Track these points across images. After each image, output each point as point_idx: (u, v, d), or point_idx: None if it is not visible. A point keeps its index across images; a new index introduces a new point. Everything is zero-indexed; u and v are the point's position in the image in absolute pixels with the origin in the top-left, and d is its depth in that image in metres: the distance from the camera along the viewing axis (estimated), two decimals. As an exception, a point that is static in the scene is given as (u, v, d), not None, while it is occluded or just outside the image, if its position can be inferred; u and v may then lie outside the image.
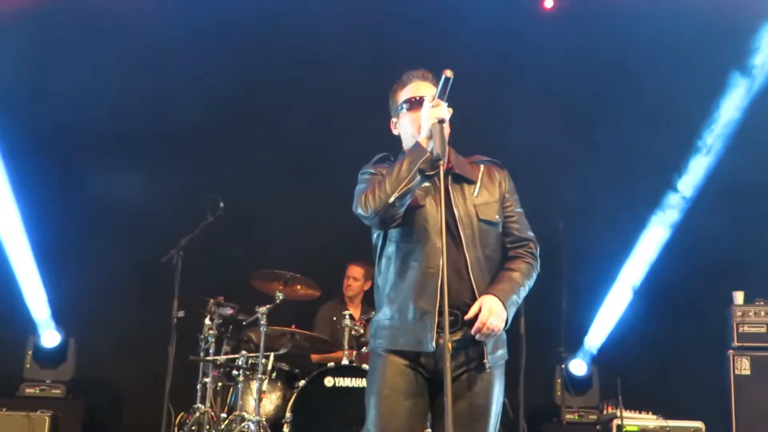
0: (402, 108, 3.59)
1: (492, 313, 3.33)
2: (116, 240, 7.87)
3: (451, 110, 3.42)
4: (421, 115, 3.37)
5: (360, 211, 3.40)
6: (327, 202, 7.90)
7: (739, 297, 7.20)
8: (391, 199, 3.29)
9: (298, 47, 7.94)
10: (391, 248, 3.48)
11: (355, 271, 7.55)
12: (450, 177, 3.51)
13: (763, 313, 7.01)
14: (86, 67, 7.77)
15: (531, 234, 3.65)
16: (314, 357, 7.31)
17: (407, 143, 3.57)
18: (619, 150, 7.75)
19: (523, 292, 3.53)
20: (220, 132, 8.07)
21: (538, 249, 3.63)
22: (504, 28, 7.74)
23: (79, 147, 7.97)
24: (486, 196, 3.55)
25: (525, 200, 3.70)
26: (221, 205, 6.90)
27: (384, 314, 3.48)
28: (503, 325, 3.38)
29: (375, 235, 3.59)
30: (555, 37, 7.94)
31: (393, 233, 3.47)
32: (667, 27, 7.67)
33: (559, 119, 7.85)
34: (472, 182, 3.55)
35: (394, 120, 3.68)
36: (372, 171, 3.58)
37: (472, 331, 3.33)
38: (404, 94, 3.61)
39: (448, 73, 3.26)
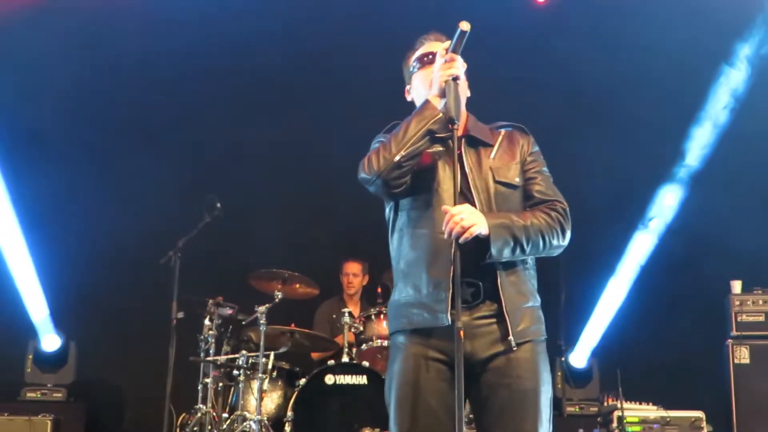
0: (414, 68, 3.33)
1: (466, 211, 2.98)
2: (114, 242, 7.85)
3: (465, 65, 3.12)
4: (433, 70, 3.10)
5: (363, 174, 3.14)
6: (324, 201, 7.93)
7: (737, 286, 7.22)
8: (396, 158, 3.03)
9: (296, 46, 7.94)
10: (402, 219, 3.22)
11: (354, 267, 7.57)
12: (464, 140, 3.24)
13: (761, 302, 7.02)
14: (78, 69, 7.75)
15: (559, 195, 3.31)
16: (314, 355, 7.32)
17: (417, 99, 3.32)
18: (616, 141, 7.75)
19: (534, 234, 3.12)
20: (217, 131, 8.06)
21: (568, 210, 3.28)
22: (496, 22, 7.75)
23: (77, 150, 7.95)
24: (504, 158, 3.25)
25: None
26: (218, 205, 6.91)
27: (398, 291, 3.22)
28: (479, 230, 2.97)
29: (387, 210, 3.34)
30: (548, 30, 7.94)
31: (404, 203, 3.20)
32: (658, 26, 7.68)
33: (550, 114, 7.85)
34: (489, 145, 3.27)
35: (407, 87, 3.42)
36: (383, 139, 3.25)
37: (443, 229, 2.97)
38: (417, 54, 3.35)
39: (464, 25, 2.97)
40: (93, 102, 7.88)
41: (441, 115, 3.06)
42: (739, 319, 7.02)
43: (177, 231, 6.97)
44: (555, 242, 3.21)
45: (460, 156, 3.16)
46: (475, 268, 3.06)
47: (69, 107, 7.76)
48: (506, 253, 3.08)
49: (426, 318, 3.09)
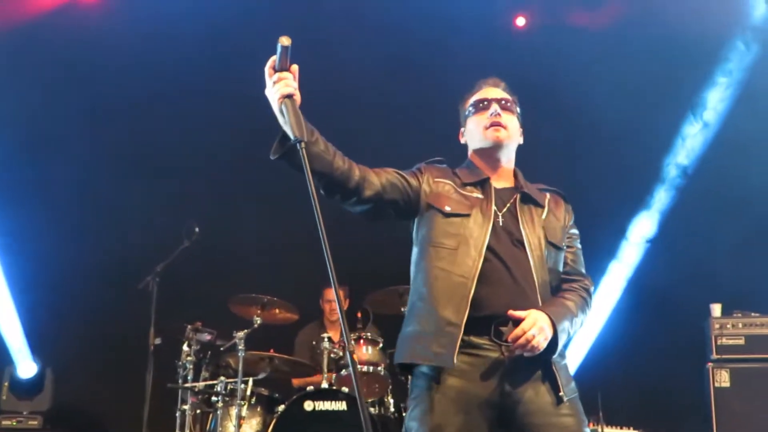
0: (469, 112, 3.44)
1: (537, 325, 3.05)
2: (91, 267, 7.79)
3: (295, 68, 3.01)
4: (266, 94, 3.03)
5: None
6: (304, 225, 7.88)
7: (716, 309, 7.21)
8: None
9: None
10: (423, 252, 3.26)
11: (334, 294, 7.52)
12: (519, 196, 3.35)
13: (741, 325, 7.02)
14: (53, 91, 7.71)
15: (586, 273, 3.50)
16: (295, 381, 7.26)
17: (474, 147, 3.44)
18: (594, 163, 7.77)
19: (576, 325, 3.29)
20: (196, 157, 8.02)
21: (594, 289, 3.48)
22: (477, 47, 7.78)
23: (54, 175, 7.89)
24: (553, 220, 3.39)
25: None
26: (197, 230, 6.86)
27: (408, 324, 3.26)
28: (545, 345, 3.09)
29: (413, 238, 3.39)
30: (526, 55, 7.98)
31: (428, 237, 3.25)
32: (635, 51, 7.73)
33: (532, 138, 7.86)
34: (540, 205, 3.39)
35: (462, 129, 3.52)
36: (413, 169, 3.40)
37: (509, 338, 3.04)
38: (472, 99, 3.47)
39: (284, 40, 2.88)
40: (70, 125, 7.82)
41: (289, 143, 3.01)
42: (719, 342, 7.00)
43: (155, 256, 6.91)
44: (587, 316, 3.42)
45: (514, 211, 3.30)
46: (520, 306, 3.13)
47: (45, 130, 7.69)
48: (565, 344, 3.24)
49: (429, 355, 3.10)
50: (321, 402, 6.15)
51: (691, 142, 7.78)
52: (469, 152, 3.48)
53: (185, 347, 6.59)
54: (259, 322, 6.49)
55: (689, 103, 7.74)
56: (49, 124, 7.73)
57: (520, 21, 8.37)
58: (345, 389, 6.24)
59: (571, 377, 3.30)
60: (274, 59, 2.96)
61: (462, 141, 3.52)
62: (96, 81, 7.77)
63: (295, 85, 2.98)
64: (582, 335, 7.77)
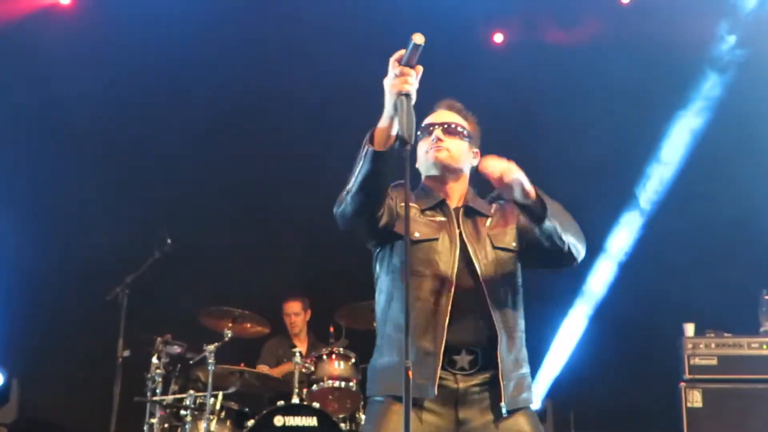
0: (419, 137, 3.37)
1: (506, 164, 3.05)
2: (60, 278, 7.70)
3: (420, 68, 2.90)
4: (384, 85, 2.90)
5: (334, 209, 3.15)
6: (276, 239, 7.85)
7: (690, 329, 7.20)
8: (346, 190, 3.01)
9: (250, 84, 7.88)
10: (392, 281, 3.21)
11: (293, 307, 7.52)
12: (462, 210, 3.32)
13: (714, 345, 7.00)
14: (28, 96, 7.64)
15: None
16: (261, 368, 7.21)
17: (423, 172, 3.40)
18: (568, 182, 7.75)
19: (561, 211, 3.25)
20: (168, 168, 7.95)
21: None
22: (453, 63, 7.78)
23: (20, 182, 7.80)
24: (499, 224, 3.33)
25: None
26: (168, 241, 6.79)
27: (382, 355, 3.21)
28: (526, 187, 3.06)
29: (376, 267, 3.33)
30: (504, 71, 7.98)
31: (395, 264, 3.20)
32: (614, 69, 7.76)
33: (507, 154, 7.86)
34: (485, 215, 3.35)
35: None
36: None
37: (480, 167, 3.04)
38: (423, 123, 3.40)
39: (418, 38, 2.76)
40: (36, 133, 7.75)
41: (369, 148, 2.93)
42: (691, 362, 6.98)
43: (125, 266, 6.83)
44: (579, 238, 3.36)
45: (458, 226, 3.26)
46: (474, 338, 3.11)
47: (13, 136, 7.61)
48: (548, 224, 3.14)
49: (415, 388, 2.97)
50: (291, 417, 6.09)
51: (663, 165, 7.80)
52: (423, 177, 3.45)
53: (154, 360, 6.51)
54: (230, 335, 6.43)
55: (664, 124, 7.75)
56: (15, 130, 7.64)
57: (498, 37, 8.37)
58: (316, 404, 6.18)
59: (528, 387, 3.22)
60: (402, 52, 2.84)
61: (417, 166, 3.44)
62: (64, 86, 7.66)
63: (416, 84, 2.88)
64: (555, 355, 7.76)
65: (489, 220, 3.34)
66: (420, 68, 2.90)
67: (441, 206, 3.31)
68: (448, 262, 3.16)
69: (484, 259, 3.21)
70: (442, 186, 3.35)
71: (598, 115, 7.75)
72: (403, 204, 2.97)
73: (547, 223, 3.16)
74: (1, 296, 7.54)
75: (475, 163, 3.42)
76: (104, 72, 7.70)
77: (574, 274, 7.76)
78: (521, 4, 8.07)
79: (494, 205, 3.41)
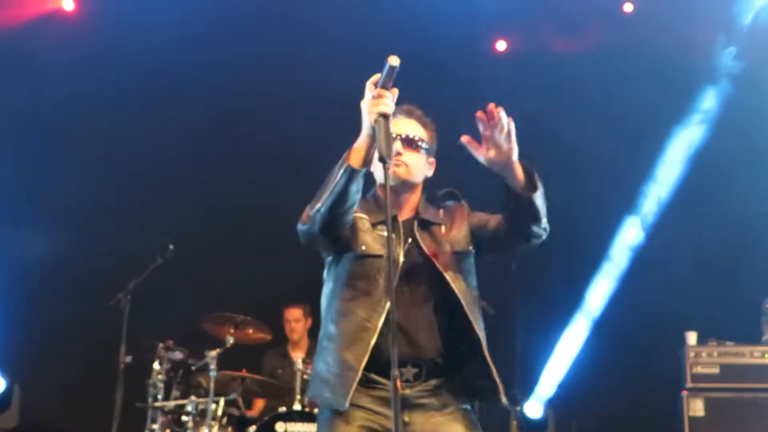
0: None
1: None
2: (62, 283, 7.71)
3: (396, 91, 3.00)
4: (361, 107, 3.02)
5: (298, 225, 3.19)
6: (279, 245, 7.84)
7: (692, 337, 7.20)
8: (316, 208, 3.05)
9: (250, 92, 7.90)
10: (335, 290, 3.26)
11: (293, 314, 7.51)
12: (417, 223, 3.34)
13: (716, 354, 7.00)
14: (38, 106, 7.66)
15: None
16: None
17: (378, 181, 3.39)
18: (569, 190, 7.77)
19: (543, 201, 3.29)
20: (170, 174, 7.96)
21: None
22: (456, 71, 7.80)
23: (25, 188, 7.81)
24: (453, 229, 3.36)
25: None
26: (171, 247, 6.78)
27: (317, 363, 3.29)
28: (393, 108, 3.00)
29: (324, 274, 3.38)
30: (506, 80, 7.99)
31: (341, 276, 3.24)
32: (615, 77, 7.77)
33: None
34: (438, 224, 3.38)
35: None
36: None
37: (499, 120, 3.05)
38: None
39: (393, 60, 2.88)
40: (37, 136, 7.76)
41: (347, 166, 3.01)
42: (693, 371, 6.98)
43: (128, 272, 6.83)
44: (544, 217, 3.34)
45: (415, 241, 3.28)
46: (425, 351, 3.18)
47: (13, 139, 7.63)
48: (539, 193, 3.23)
49: (327, 397, 3.16)
50: (293, 423, 6.10)
51: (665, 174, 7.81)
52: (377, 185, 3.44)
53: (156, 366, 6.51)
54: (232, 341, 6.44)
55: (665, 134, 7.77)
56: (16, 133, 7.67)
57: (501, 45, 8.39)
58: (317, 410, 6.16)
59: (478, 393, 3.33)
60: (378, 76, 2.95)
61: (371, 169, 3.39)
62: (65, 89, 7.69)
63: (393, 106, 2.99)
64: (557, 363, 7.76)
65: (443, 227, 3.37)
66: (396, 90, 3.00)
67: (392, 222, 3.22)
68: (385, 282, 3.15)
69: (451, 267, 3.26)
70: (396, 198, 3.34)
71: (599, 123, 7.76)
72: (357, 214, 3.20)
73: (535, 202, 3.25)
74: (3, 301, 7.55)
75: (430, 173, 3.46)
76: (104, 75, 7.72)
77: (576, 280, 7.80)
78: (524, 13, 8.07)
79: (441, 210, 3.44)
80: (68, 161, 7.87)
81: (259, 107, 7.93)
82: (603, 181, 7.79)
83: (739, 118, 7.59)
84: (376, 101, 2.95)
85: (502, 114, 3.08)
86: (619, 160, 7.79)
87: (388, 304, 3.10)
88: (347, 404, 3.09)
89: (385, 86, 2.95)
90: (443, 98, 7.73)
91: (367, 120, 3.00)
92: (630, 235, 7.85)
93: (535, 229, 3.30)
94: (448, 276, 3.23)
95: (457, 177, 3.54)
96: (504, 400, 3.27)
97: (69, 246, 7.79)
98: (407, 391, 3.16)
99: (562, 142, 7.79)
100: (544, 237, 3.37)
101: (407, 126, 3.36)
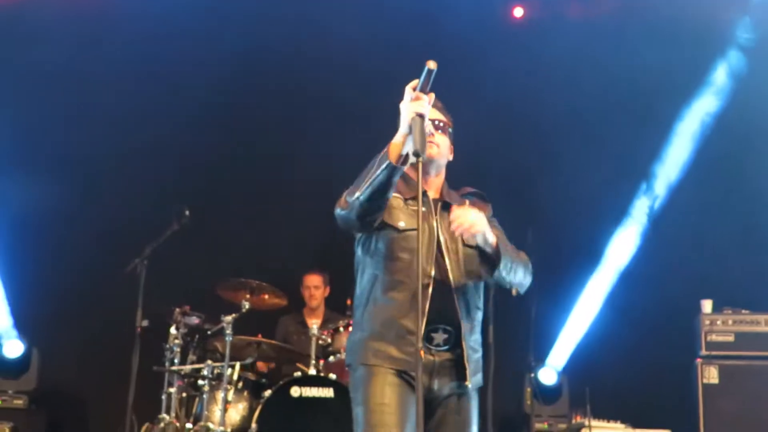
0: None
1: (475, 216, 3.34)
2: (79, 248, 7.75)
3: (432, 95, 3.28)
4: (400, 108, 3.26)
5: (337, 211, 3.39)
6: (295, 211, 7.86)
7: (707, 305, 7.21)
8: (355, 196, 3.26)
9: (269, 58, 7.88)
10: (377, 264, 3.48)
11: (315, 280, 7.53)
12: (439, 204, 3.56)
13: (731, 322, 7.02)
14: (47, 77, 7.69)
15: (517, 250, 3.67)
16: (260, 365, 7.24)
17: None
18: (588, 157, 7.75)
19: (512, 259, 3.52)
20: (186, 140, 7.97)
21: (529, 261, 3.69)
22: (473, 37, 7.76)
23: (41, 156, 7.85)
24: None
25: (493, 208, 3.71)
26: (187, 213, 6.79)
27: (364, 331, 3.49)
28: (483, 230, 3.36)
29: (359, 250, 3.59)
30: (523, 46, 7.96)
31: (382, 250, 3.47)
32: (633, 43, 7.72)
33: (527, 128, 7.87)
34: None
35: None
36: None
37: (451, 218, 3.34)
38: None
39: (431, 64, 3.12)
40: (56, 109, 7.78)
41: (388, 162, 3.21)
42: (708, 338, 7.00)
43: (144, 238, 6.86)
44: (526, 276, 3.65)
45: (434, 220, 3.52)
46: (448, 316, 3.42)
47: (34, 112, 7.64)
48: (503, 268, 3.46)
49: (395, 360, 3.39)
50: (308, 388, 6.13)
51: (683, 139, 7.77)
52: None
53: (173, 330, 6.55)
54: (247, 306, 6.46)
55: (685, 98, 7.72)
56: (38, 101, 7.71)
57: (518, 12, 8.33)
58: (332, 376, 6.22)
59: (481, 369, 3.59)
60: (416, 81, 3.19)
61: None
62: (81, 55, 7.73)
63: (429, 108, 3.25)
64: (571, 330, 7.77)
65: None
66: (432, 95, 3.26)
67: (423, 197, 3.42)
68: (429, 250, 3.43)
69: (454, 254, 3.49)
70: (424, 178, 3.46)
71: (619, 89, 7.73)
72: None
73: (499, 273, 3.47)
74: (22, 266, 7.61)
75: (451, 157, 3.69)
76: (121, 40, 7.74)
77: (591, 248, 7.79)
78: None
79: (467, 201, 3.63)
80: (85, 127, 7.88)
81: (278, 73, 7.92)
82: (617, 152, 7.76)
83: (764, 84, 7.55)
84: (415, 103, 3.19)
85: (464, 219, 3.33)
86: (637, 127, 7.76)
87: (432, 272, 3.40)
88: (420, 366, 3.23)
89: (423, 89, 3.19)
90: (459, 67, 7.73)
91: (405, 119, 3.21)
92: (646, 203, 7.82)
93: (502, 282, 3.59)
94: (449, 261, 3.47)
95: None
96: (468, 386, 3.49)
97: (87, 211, 7.84)
98: (436, 358, 3.43)
99: (582, 108, 7.76)
100: (515, 287, 3.68)
101: (434, 113, 3.54)
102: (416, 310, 3.19)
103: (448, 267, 3.45)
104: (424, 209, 3.39)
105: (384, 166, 3.21)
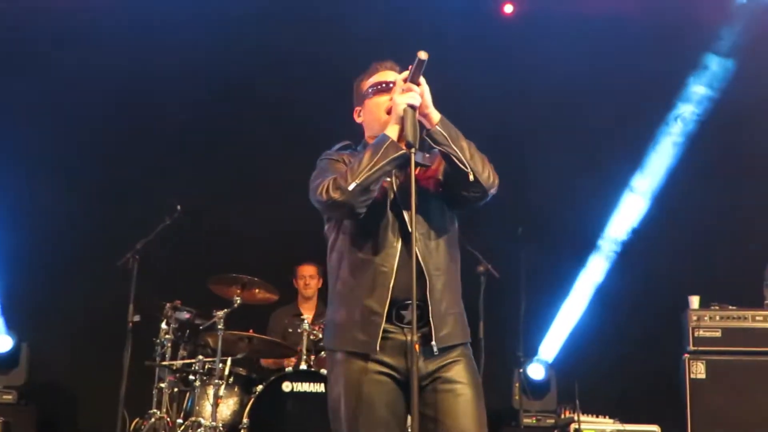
0: (368, 93, 3.44)
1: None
2: (70, 242, 7.76)
3: (423, 85, 3.22)
4: (392, 99, 3.24)
5: (318, 197, 3.20)
6: (286, 206, 7.87)
7: (694, 301, 7.25)
8: (350, 187, 3.11)
9: (258, 52, 7.89)
10: (344, 242, 3.31)
11: (310, 270, 7.52)
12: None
13: (718, 318, 7.06)
14: (49, 70, 7.71)
15: None
16: (264, 362, 7.25)
17: (372, 129, 3.42)
18: (576, 154, 7.79)
19: (469, 147, 3.27)
20: (178, 136, 7.98)
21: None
22: (463, 33, 7.78)
23: (30, 149, 7.84)
24: (432, 172, 3.39)
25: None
26: (178, 208, 6.81)
27: (334, 311, 3.34)
28: (420, 100, 3.18)
29: (327, 227, 3.43)
30: (513, 42, 7.98)
31: (348, 226, 3.31)
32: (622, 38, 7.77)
33: (516, 124, 7.89)
34: (425, 165, 3.40)
35: (358, 108, 3.53)
36: (333, 158, 3.41)
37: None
38: (371, 81, 3.47)
39: (422, 54, 3.12)
40: (45, 103, 7.78)
41: (404, 152, 3.15)
42: (696, 334, 7.04)
43: (135, 233, 6.87)
44: (485, 168, 3.29)
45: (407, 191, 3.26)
46: (418, 291, 3.14)
47: (23, 108, 7.65)
48: (454, 144, 3.22)
49: (358, 342, 3.21)
50: (299, 383, 6.15)
51: (669, 139, 7.84)
52: (367, 133, 3.50)
53: (164, 325, 6.55)
54: (238, 301, 6.47)
55: (676, 94, 7.77)
56: (27, 96, 7.70)
57: (508, 8, 8.36)
58: (323, 371, 6.23)
59: (463, 323, 3.34)
60: (407, 72, 3.21)
61: (358, 120, 3.54)
62: (75, 53, 7.73)
63: (420, 98, 3.20)
64: (560, 325, 7.82)
65: (425, 169, 3.41)
66: (423, 83, 3.22)
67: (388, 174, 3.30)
68: (394, 224, 3.27)
69: (421, 215, 3.24)
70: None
71: (605, 84, 7.77)
72: None
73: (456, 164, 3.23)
74: (13, 261, 7.60)
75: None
76: (113, 36, 7.72)
77: (579, 244, 7.84)
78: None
79: (427, 155, 3.42)
80: (77, 120, 7.87)
81: (266, 68, 7.93)
82: (605, 148, 7.81)
83: (747, 81, 7.60)
84: (407, 94, 3.18)
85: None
86: (624, 124, 7.81)
87: (399, 248, 3.22)
88: (377, 347, 3.16)
89: (414, 79, 3.19)
90: (450, 61, 7.76)
91: (396, 109, 3.20)
92: (636, 198, 7.88)
93: (460, 171, 3.25)
94: (411, 224, 3.21)
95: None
96: (434, 348, 3.21)
97: (78, 205, 7.83)
98: (408, 337, 3.18)
99: (568, 104, 7.79)
100: (478, 186, 3.29)
101: (395, 76, 3.38)
102: (380, 290, 3.18)
103: (414, 236, 3.19)
104: (389, 179, 3.29)
105: (396, 155, 3.14)
